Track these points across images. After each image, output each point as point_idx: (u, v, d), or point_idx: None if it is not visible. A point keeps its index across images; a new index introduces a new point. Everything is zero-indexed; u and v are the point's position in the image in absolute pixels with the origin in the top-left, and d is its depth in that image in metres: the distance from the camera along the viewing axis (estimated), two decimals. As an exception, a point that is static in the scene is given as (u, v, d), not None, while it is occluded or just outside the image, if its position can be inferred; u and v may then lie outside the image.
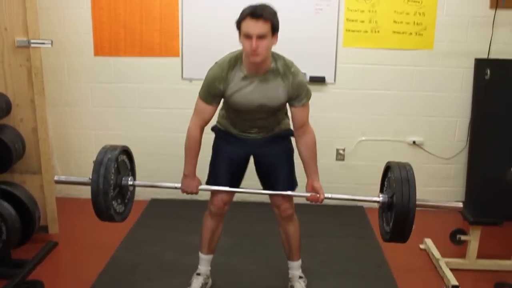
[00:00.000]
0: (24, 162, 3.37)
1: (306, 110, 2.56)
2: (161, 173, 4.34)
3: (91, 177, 2.36)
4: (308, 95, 2.55)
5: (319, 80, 4.08)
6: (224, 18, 3.94)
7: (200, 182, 2.65)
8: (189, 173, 2.62)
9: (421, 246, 3.57)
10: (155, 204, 4.30)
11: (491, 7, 3.96)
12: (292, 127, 2.66)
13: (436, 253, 3.35)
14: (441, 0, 3.98)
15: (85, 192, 4.34)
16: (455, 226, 3.34)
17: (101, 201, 2.36)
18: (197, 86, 3.48)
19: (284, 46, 4.10)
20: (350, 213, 4.21)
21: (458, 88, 4.15)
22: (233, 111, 2.61)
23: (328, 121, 4.19)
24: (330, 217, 4.08)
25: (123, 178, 2.49)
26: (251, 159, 2.77)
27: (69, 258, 3.35)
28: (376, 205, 4.26)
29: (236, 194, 2.81)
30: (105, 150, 2.43)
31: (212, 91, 2.51)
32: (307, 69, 4.04)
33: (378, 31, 4.06)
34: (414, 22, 4.04)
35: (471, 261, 3.23)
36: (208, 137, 2.73)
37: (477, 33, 4.03)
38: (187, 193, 2.64)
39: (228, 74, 2.47)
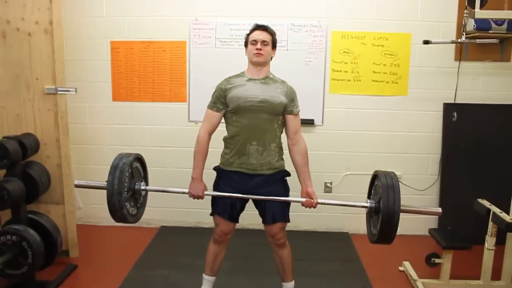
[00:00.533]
0: (49, 194, 3.39)
1: (298, 119, 2.71)
2: (169, 202, 4.37)
3: (107, 180, 2.35)
4: (299, 107, 2.71)
5: (308, 122, 4.12)
6: (225, 69, 4.05)
7: (206, 187, 2.63)
8: (197, 176, 2.63)
9: (400, 268, 3.54)
10: (165, 231, 4.28)
11: (455, 59, 4.06)
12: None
13: (413, 274, 3.33)
14: (413, 53, 4.07)
15: (103, 220, 4.39)
16: (430, 250, 3.32)
17: (115, 200, 2.33)
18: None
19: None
20: (337, 238, 4.20)
21: (429, 129, 4.19)
22: (235, 118, 2.61)
23: (317, 157, 4.19)
24: (319, 242, 4.07)
25: (136, 183, 2.48)
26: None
27: (87, 279, 3.31)
28: (361, 231, 4.30)
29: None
30: (121, 156, 2.43)
31: (217, 95, 2.65)
32: (298, 112, 4.11)
33: (360, 80, 4.13)
34: (390, 72, 4.12)
35: (445, 281, 3.21)
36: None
37: (444, 81, 4.10)
38: (194, 196, 2.60)
39: (231, 79, 2.68)
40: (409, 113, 4.17)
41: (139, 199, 2.55)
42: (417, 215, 4.19)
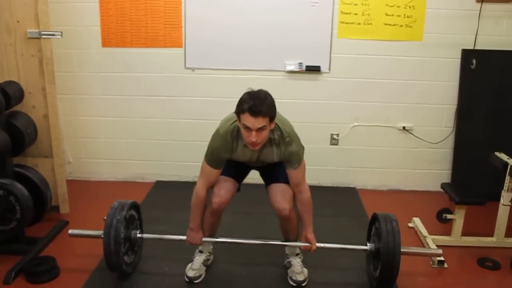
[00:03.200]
0: (36, 147, 3.38)
1: (299, 172, 2.62)
2: (164, 156, 4.39)
3: (103, 236, 2.60)
4: (300, 160, 2.59)
5: (314, 69, 4.07)
6: (224, 10, 3.99)
7: (203, 235, 2.78)
8: (194, 227, 2.74)
9: (410, 225, 3.58)
10: (160, 185, 4.32)
11: (477, 0, 3.94)
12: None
13: (423, 231, 3.37)
14: (430, -7, 3.97)
15: (95, 174, 4.42)
16: (442, 205, 3.35)
17: (113, 260, 2.60)
18: (199, 75, 3.51)
19: (282, 37, 4.13)
20: (344, 193, 4.24)
21: (445, 77, 4.13)
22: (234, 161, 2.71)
23: (323, 107, 4.19)
24: (325, 198, 4.09)
25: (132, 232, 2.74)
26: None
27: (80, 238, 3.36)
28: (369, 187, 4.33)
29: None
30: (114, 210, 2.64)
31: (218, 159, 2.59)
32: (304, 59, 4.06)
33: (371, 23, 4.04)
34: (404, 15, 4.02)
35: (456, 238, 3.25)
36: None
37: (464, 25, 4.00)
38: (192, 244, 2.78)
39: (232, 145, 2.56)
40: (423, 60, 4.10)
41: (135, 245, 2.82)
42: (428, 169, 4.27)
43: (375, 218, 2.72)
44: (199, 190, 2.66)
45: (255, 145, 2.40)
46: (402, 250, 2.52)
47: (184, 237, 2.77)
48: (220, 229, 2.92)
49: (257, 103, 2.30)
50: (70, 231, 2.86)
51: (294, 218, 2.78)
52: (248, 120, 2.31)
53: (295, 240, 2.87)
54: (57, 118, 3.40)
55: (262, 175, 2.87)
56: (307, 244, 2.69)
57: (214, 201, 2.69)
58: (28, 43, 3.23)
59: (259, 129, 2.33)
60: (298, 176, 2.62)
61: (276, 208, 2.70)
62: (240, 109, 2.34)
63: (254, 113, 2.29)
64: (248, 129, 2.34)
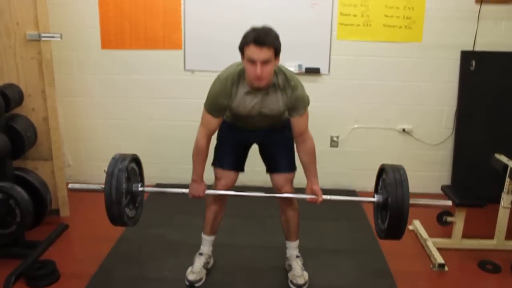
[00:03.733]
0: (36, 150, 3.37)
1: (304, 119, 2.54)
2: (165, 158, 4.38)
3: (104, 186, 2.42)
4: (305, 106, 2.53)
5: (314, 71, 4.06)
6: (223, 13, 3.98)
7: (206, 187, 2.65)
8: (197, 178, 2.64)
9: (410, 227, 3.57)
10: (160, 188, 4.30)
11: (476, 2, 3.93)
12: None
13: (423, 233, 3.36)
14: (430, -5, 3.96)
15: (95, 177, 4.39)
16: (442, 208, 3.34)
17: (115, 210, 2.43)
18: (198, 77, 3.51)
19: (281, 39, 4.09)
20: (344, 196, 4.21)
21: (445, 79, 4.13)
22: (237, 117, 2.61)
23: (322, 109, 4.18)
24: (326, 200, 4.09)
25: (134, 185, 2.56)
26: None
27: (79, 239, 3.36)
28: (369, 189, 4.31)
29: (238, 179, 2.80)
30: (115, 160, 2.47)
31: (217, 106, 2.51)
32: (303, 61, 4.05)
33: (370, 25, 4.03)
34: (403, 16, 4.01)
35: (457, 241, 3.24)
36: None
37: (463, 26, 4.00)
38: (195, 197, 2.63)
39: (231, 90, 2.46)
40: (423, 61, 4.10)
41: (136, 200, 2.64)
42: (428, 172, 4.26)
43: (382, 170, 2.56)
44: (200, 138, 2.59)
45: (260, 80, 2.31)
46: (410, 201, 2.37)
47: (186, 190, 2.64)
48: (221, 232, 2.92)
49: (262, 34, 2.25)
50: (70, 186, 2.70)
51: (296, 209, 2.81)
52: (253, 51, 2.24)
53: (296, 233, 2.87)
54: (57, 121, 3.40)
55: (263, 157, 2.80)
56: (313, 196, 2.58)
57: (218, 187, 2.71)
58: (28, 45, 3.22)
59: (264, 63, 2.26)
60: (303, 123, 2.54)
61: (279, 190, 2.72)
62: (244, 41, 2.28)
63: (259, 43, 2.22)
64: (252, 62, 2.27)
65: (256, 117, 2.55)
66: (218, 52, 4.05)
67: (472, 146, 4.10)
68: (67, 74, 4.18)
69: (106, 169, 2.44)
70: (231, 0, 3.95)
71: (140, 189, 2.61)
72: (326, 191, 4.19)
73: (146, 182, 4.29)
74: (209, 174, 2.70)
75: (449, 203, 2.64)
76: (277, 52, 2.30)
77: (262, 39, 2.23)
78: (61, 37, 3.25)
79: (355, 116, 4.24)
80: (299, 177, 2.72)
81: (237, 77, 2.44)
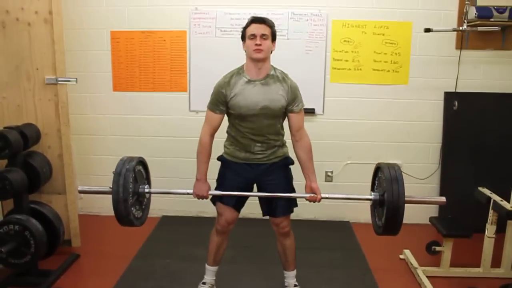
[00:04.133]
0: (50, 184, 3.38)
1: (301, 115, 2.60)
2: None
3: (111, 187, 2.35)
4: (302, 102, 2.60)
5: (309, 112, 4.10)
6: (225, 59, 4.04)
7: (210, 187, 2.63)
8: (201, 177, 2.61)
9: (401, 256, 3.55)
10: (166, 220, 4.29)
11: (456, 48, 4.04)
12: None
13: (414, 262, 3.34)
14: (414, 42, 4.05)
15: (105, 210, 4.39)
16: (431, 238, 3.34)
17: (121, 208, 2.35)
18: (202, 117, 3.53)
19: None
20: (338, 227, 4.21)
21: (430, 117, 4.18)
22: (238, 122, 2.59)
23: (317, 147, 4.15)
24: (320, 231, 4.09)
25: (140, 187, 2.48)
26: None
27: (89, 268, 3.33)
28: (362, 220, 4.30)
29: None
30: (123, 161, 2.41)
31: (217, 99, 2.55)
32: (299, 102, 4.10)
33: (360, 69, 4.11)
34: (391, 61, 4.10)
35: (445, 269, 3.22)
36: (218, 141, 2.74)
37: (445, 70, 4.09)
38: (199, 197, 2.60)
39: (231, 80, 2.54)
40: (410, 102, 4.16)
41: (143, 202, 2.57)
42: (417, 204, 4.25)
43: (378, 168, 2.51)
44: (203, 136, 2.60)
45: (259, 51, 2.44)
46: (406, 198, 2.29)
47: (190, 191, 2.61)
48: (223, 261, 2.90)
49: (261, 16, 2.51)
50: (79, 188, 2.63)
51: (292, 241, 2.78)
52: (253, 27, 2.46)
53: (294, 262, 2.84)
54: (70, 158, 3.42)
55: (261, 200, 2.74)
56: (312, 195, 2.53)
57: (219, 222, 2.69)
58: (46, 88, 3.28)
59: (263, 38, 2.45)
60: (301, 119, 2.60)
61: (276, 224, 2.70)
62: (245, 26, 2.51)
63: (259, 20, 2.47)
64: (253, 37, 2.44)
65: (258, 116, 2.53)
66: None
67: (457, 180, 4.11)
68: (81, 114, 4.24)
69: (114, 170, 2.39)
70: (231, 50, 4.02)
71: (147, 190, 2.55)
72: (321, 222, 4.24)
73: (152, 214, 4.32)
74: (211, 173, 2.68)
75: (443, 199, 2.56)
76: (273, 35, 2.52)
77: (261, 18, 2.50)
78: (76, 81, 3.32)
79: (348, 153, 4.27)
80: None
81: (236, 70, 2.58)
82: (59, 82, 3.27)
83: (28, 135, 3.10)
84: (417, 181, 4.23)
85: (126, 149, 4.28)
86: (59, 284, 3.03)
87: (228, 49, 4.02)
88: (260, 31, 2.44)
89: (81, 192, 2.64)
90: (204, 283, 2.86)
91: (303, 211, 4.18)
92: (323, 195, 2.52)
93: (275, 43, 2.55)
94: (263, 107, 2.51)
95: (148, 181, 2.63)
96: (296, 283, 2.88)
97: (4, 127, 3.03)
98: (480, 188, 3.30)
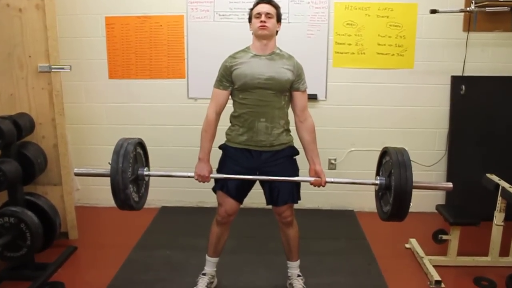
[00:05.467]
0: (46, 175, 3.38)
1: (306, 96, 2.67)
2: (169, 181, 4.35)
3: (109, 163, 2.30)
4: (305, 81, 2.67)
5: (311, 98, 4.08)
6: (224, 45, 4.01)
7: (212, 169, 2.63)
8: (203, 156, 2.62)
9: (407, 246, 3.56)
10: (165, 211, 4.30)
11: (463, 30, 4.00)
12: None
13: (420, 251, 3.35)
14: (420, 24, 4.01)
15: (102, 201, 4.41)
16: (437, 227, 3.34)
17: (119, 179, 2.27)
18: (201, 105, 3.54)
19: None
20: (342, 216, 4.22)
21: (436, 102, 4.16)
22: (242, 95, 2.59)
23: (320, 134, 4.12)
24: (324, 220, 4.09)
25: (139, 168, 2.47)
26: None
27: (87, 261, 3.34)
28: (366, 209, 4.30)
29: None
30: (124, 138, 2.44)
31: (222, 73, 2.63)
32: (301, 88, 4.08)
33: (364, 53, 4.08)
34: (396, 44, 4.06)
35: (452, 258, 3.22)
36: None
37: (452, 53, 4.05)
38: (200, 177, 2.59)
39: (237, 54, 2.64)
40: (415, 86, 4.13)
41: (141, 186, 2.53)
42: (424, 191, 4.24)
43: (385, 152, 2.47)
44: (209, 113, 2.63)
45: (264, 28, 2.53)
46: (414, 183, 2.26)
47: (191, 173, 2.61)
48: (224, 252, 2.90)
49: None
50: (75, 170, 2.55)
51: (295, 231, 2.78)
52: (259, 7, 2.57)
53: (297, 252, 2.84)
54: (66, 148, 3.41)
55: (264, 187, 2.72)
56: (317, 178, 2.53)
57: (220, 213, 2.69)
58: (39, 76, 3.26)
59: (268, 16, 2.54)
60: (305, 99, 2.67)
61: (279, 214, 2.69)
62: (252, 6, 2.63)
63: (264, 1, 2.58)
64: (258, 15, 2.55)
65: (264, 87, 2.53)
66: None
67: (464, 167, 4.10)
68: (76, 103, 4.22)
69: (115, 146, 2.37)
70: (231, 34, 4.00)
71: (146, 172, 2.53)
72: (325, 211, 4.24)
73: (151, 205, 4.33)
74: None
75: (450, 185, 2.52)
76: (278, 16, 2.62)
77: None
78: (70, 68, 3.29)
79: (352, 140, 4.25)
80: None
81: (242, 49, 2.67)
82: (53, 70, 3.25)
83: (22, 124, 3.08)
84: (423, 168, 4.22)
85: (123, 139, 4.28)
86: (56, 277, 3.03)
87: (227, 33, 4.00)
88: (265, 10, 2.54)
89: (77, 174, 2.58)
90: (204, 274, 2.86)
91: (307, 200, 4.15)
92: (328, 179, 2.52)
93: (280, 24, 2.66)
94: (269, 78, 2.54)
95: (147, 163, 2.63)
96: (300, 273, 2.88)
97: (-3, 117, 3.02)
98: (488, 175, 3.29)
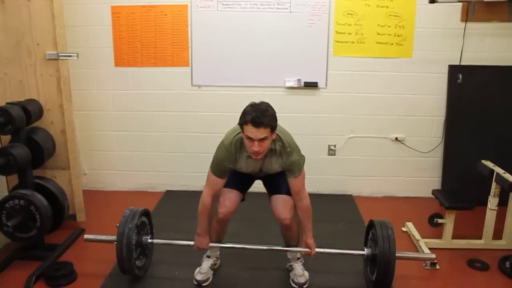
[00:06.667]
0: (54, 160, 3.41)
1: (300, 180, 2.60)
2: (174, 166, 4.41)
3: (115, 242, 2.63)
4: (301, 169, 2.58)
5: (312, 85, 4.09)
6: (227, 34, 4.03)
7: (210, 240, 2.78)
8: (201, 232, 2.74)
9: (403, 229, 3.58)
10: (170, 194, 4.33)
11: (461, 20, 3.98)
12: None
13: (416, 234, 3.37)
14: (418, 14, 3.99)
15: (109, 185, 4.44)
16: (433, 210, 3.36)
17: (125, 266, 2.62)
18: (205, 92, 3.54)
19: (282, 56, 4.16)
20: (341, 200, 4.24)
21: (434, 91, 4.16)
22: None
23: (320, 120, 4.21)
24: (324, 204, 4.09)
25: (143, 238, 2.75)
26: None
27: (94, 242, 3.37)
28: (364, 194, 4.33)
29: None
30: (126, 219, 2.66)
31: (222, 169, 2.59)
32: (302, 76, 4.09)
33: (364, 42, 4.07)
34: (395, 34, 4.05)
35: (447, 241, 3.25)
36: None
37: (450, 43, 4.04)
38: (199, 249, 2.77)
39: (236, 156, 2.55)
40: (413, 75, 4.13)
41: (146, 250, 2.83)
42: (420, 177, 4.27)
43: (371, 224, 2.70)
44: (205, 198, 2.65)
45: (257, 154, 2.40)
46: (397, 255, 2.51)
47: (192, 243, 2.77)
48: (227, 235, 2.93)
49: (259, 115, 2.29)
50: (85, 236, 2.88)
51: (294, 226, 2.78)
52: (251, 131, 2.31)
53: (296, 246, 2.88)
54: (73, 133, 3.43)
55: (265, 185, 2.86)
56: (307, 250, 2.67)
57: (220, 211, 2.70)
58: (47, 64, 3.27)
59: (261, 140, 2.33)
60: (299, 184, 2.61)
61: (278, 217, 2.70)
62: (243, 120, 2.34)
63: (256, 124, 2.29)
64: (250, 139, 2.34)
65: (258, 173, 2.72)
66: (222, 69, 4.12)
67: (460, 153, 4.11)
68: (83, 90, 4.23)
69: (118, 226, 2.66)
70: (234, 23, 4.00)
71: (149, 241, 2.82)
72: (324, 196, 4.27)
73: (157, 188, 4.36)
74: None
75: (433, 256, 2.81)
76: (273, 129, 2.38)
77: (259, 120, 2.29)
78: (77, 56, 3.30)
79: (351, 126, 4.26)
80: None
81: (239, 144, 2.53)
82: (60, 57, 3.26)
83: (31, 110, 3.10)
84: (420, 155, 4.24)
85: (128, 125, 4.31)
86: (65, 258, 3.07)
87: (231, 23, 4.00)
88: (258, 136, 2.32)
89: (86, 240, 2.91)
90: (208, 256, 2.90)
91: (307, 185, 4.20)
92: (317, 250, 2.68)
93: (275, 131, 2.43)
94: (260, 170, 2.66)
95: (151, 230, 2.90)
96: (299, 256, 2.92)
97: (7, 103, 3.03)
98: (483, 161, 3.31)
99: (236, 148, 2.53)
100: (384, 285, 2.55)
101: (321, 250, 2.70)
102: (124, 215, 2.67)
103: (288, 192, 2.68)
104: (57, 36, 3.23)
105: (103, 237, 2.86)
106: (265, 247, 2.88)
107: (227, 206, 2.69)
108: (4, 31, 3.20)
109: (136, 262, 2.66)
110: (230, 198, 2.71)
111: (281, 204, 2.69)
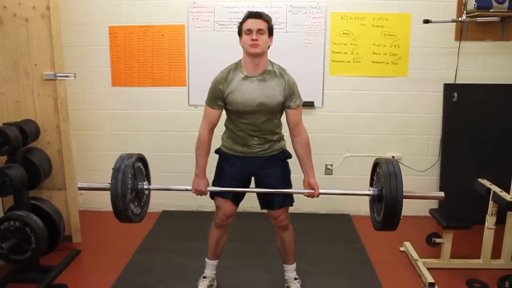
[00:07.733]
0: (50, 180, 3.39)
1: (299, 111, 2.58)
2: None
3: (110, 182, 2.32)
4: (300, 97, 2.58)
5: (308, 105, 4.09)
6: (223, 54, 4.02)
7: (208, 183, 2.61)
8: (199, 172, 2.59)
9: (401, 249, 3.56)
10: (166, 215, 4.30)
11: (456, 39, 4.02)
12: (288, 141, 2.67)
13: (414, 254, 3.35)
14: (413, 34, 4.03)
15: (105, 205, 4.37)
16: (431, 230, 3.34)
17: (119, 203, 2.32)
18: (202, 112, 3.51)
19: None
20: (338, 220, 4.21)
21: (430, 109, 4.17)
22: (235, 117, 2.58)
23: (317, 140, 4.16)
24: (320, 224, 4.09)
25: (139, 183, 2.46)
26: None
27: (90, 264, 3.34)
28: (362, 213, 4.31)
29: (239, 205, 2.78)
30: (122, 158, 2.39)
31: (215, 94, 2.54)
32: (298, 95, 4.09)
33: (360, 61, 4.10)
34: (390, 53, 4.08)
35: (445, 260, 3.23)
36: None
37: (445, 61, 4.07)
38: (197, 192, 2.55)
39: (228, 75, 2.52)
40: (409, 94, 4.14)
41: (142, 198, 2.54)
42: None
43: (377, 164, 2.46)
44: (202, 131, 2.59)
45: (255, 46, 2.41)
46: (404, 193, 2.25)
47: (189, 187, 2.57)
48: (223, 255, 2.91)
49: (257, 11, 2.46)
50: (79, 185, 2.61)
51: (291, 234, 2.78)
52: (250, 22, 2.42)
53: (293, 255, 2.84)
54: (70, 153, 3.42)
55: (259, 198, 2.74)
56: (310, 190, 2.50)
57: (219, 215, 2.69)
58: (44, 84, 3.27)
59: (259, 32, 2.41)
60: (298, 115, 2.58)
61: (274, 217, 2.69)
62: (242, 20, 2.47)
63: (255, 15, 2.43)
64: (249, 32, 2.41)
65: (255, 112, 2.52)
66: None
67: (457, 172, 4.11)
68: (80, 110, 4.23)
69: (113, 166, 2.37)
70: (230, 44, 4.00)
71: (146, 186, 2.52)
72: (321, 216, 4.24)
73: (152, 209, 4.31)
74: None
75: (441, 194, 2.54)
76: (270, 30, 2.48)
77: (258, 13, 2.45)
78: (75, 76, 3.30)
79: (348, 146, 4.26)
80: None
81: (234, 66, 2.55)
82: (58, 78, 3.26)
83: (28, 131, 3.09)
84: (417, 173, 4.23)
85: (125, 145, 4.29)
86: (60, 280, 3.03)
87: (227, 42, 4.01)
88: (256, 26, 2.41)
89: (80, 188, 2.62)
90: (204, 277, 2.86)
91: (303, 204, 4.17)
92: (321, 190, 2.50)
93: (272, 37, 2.51)
94: (260, 104, 2.50)
95: (147, 177, 2.60)
96: (297, 276, 2.89)
97: (3, 123, 3.02)
98: (480, 180, 3.30)
99: (229, 70, 2.55)
100: (392, 222, 2.32)
101: (325, 190, 2.50)
102: (120, 156, 2.42)
103: (284, 205, 2.65)
104: (54, 57, 3.24)
105: (97, 184, 2.62)
106: (259, 189, 2.68)
107: (225, 209, 2.67)
108: (2, 51, 3.21)
109: (131, 205, 2.39)
110: (226, 203, 2.68)
111: (279, 210, 2.67)
